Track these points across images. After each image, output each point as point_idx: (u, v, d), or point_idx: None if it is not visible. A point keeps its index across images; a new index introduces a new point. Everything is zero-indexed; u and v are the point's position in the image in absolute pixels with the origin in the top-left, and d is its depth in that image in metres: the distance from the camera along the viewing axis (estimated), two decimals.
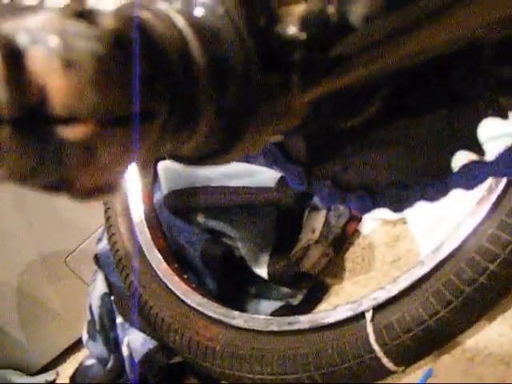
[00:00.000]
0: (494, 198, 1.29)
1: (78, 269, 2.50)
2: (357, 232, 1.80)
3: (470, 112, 0.61)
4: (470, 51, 0.58)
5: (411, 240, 1.64)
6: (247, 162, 1.72)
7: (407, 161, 0.64)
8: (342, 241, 1.79)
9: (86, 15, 0.37)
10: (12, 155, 0.36)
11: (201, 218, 1.76)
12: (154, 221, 1.85)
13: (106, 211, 1.94)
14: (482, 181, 0.64)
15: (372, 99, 0.57)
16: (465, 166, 0.63)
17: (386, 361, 1.35)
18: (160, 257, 1.77)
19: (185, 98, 0.41)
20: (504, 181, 1.27)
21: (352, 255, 1.76)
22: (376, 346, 1.35)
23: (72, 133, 0.36)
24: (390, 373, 1.38)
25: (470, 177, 0.62)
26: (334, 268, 1.77)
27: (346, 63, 0.47)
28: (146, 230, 1.82)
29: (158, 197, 1.87)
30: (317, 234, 1.72)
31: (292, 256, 1.71)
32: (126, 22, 0.38)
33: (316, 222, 1.73)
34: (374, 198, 0.65)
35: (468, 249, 1.30)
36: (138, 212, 1.86)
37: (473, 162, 0.63)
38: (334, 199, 0.67)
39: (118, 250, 1.85)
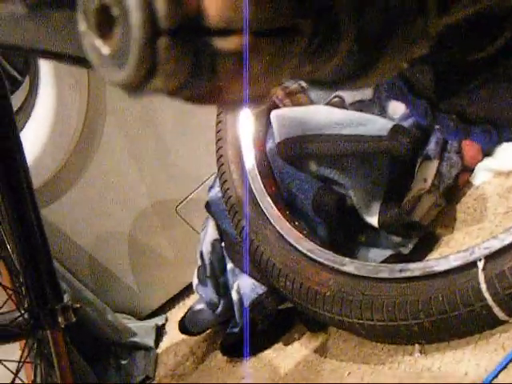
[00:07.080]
0: None
1: (188, 217, 2.56)
2: (468, 183, 1.78)
3: None
4: None
5: None
6: (361, 110, 1.72)
7: None
8: (453, 191, 1.77)
9: None
10: (169, 65, 0.39)
11: (313, 166, 1.77)
12: (266, 168, 1.87)
13: (218, 159, 1.98)
14: None
15: (501, 30, 0.57)
16: None
17: (497, 310, 1.35)
18: (272, 203, 1.79)
19: (327, 20, 0.43)
20: None
21: (463, 206, 1.75)
22: (487, 295, 1.34)
23: (227, 44, 0.38)
24: (500, 322, 1.37)
25: None
26: (445, 218, 1.76)
27: None
28: (259, 177, 1.84)
29: (270, 144, 1.89)
30: (428, 184, 1.71)
31: (403, 205, 1.70)
32: None
33: (428, 172, 1.72)
34: (500, 131, 0.66)
35: None
36: (250, 159, 1.89)
37: None
38: (458, 132, 0.67)
39: (230, 197, 1.89)
